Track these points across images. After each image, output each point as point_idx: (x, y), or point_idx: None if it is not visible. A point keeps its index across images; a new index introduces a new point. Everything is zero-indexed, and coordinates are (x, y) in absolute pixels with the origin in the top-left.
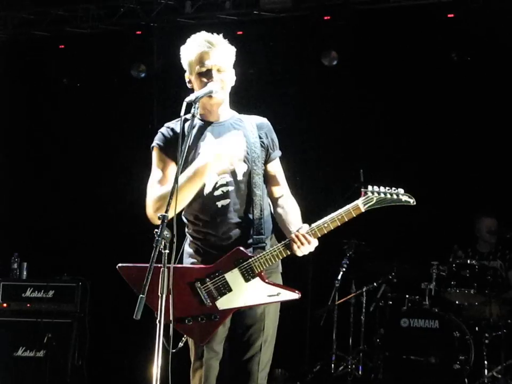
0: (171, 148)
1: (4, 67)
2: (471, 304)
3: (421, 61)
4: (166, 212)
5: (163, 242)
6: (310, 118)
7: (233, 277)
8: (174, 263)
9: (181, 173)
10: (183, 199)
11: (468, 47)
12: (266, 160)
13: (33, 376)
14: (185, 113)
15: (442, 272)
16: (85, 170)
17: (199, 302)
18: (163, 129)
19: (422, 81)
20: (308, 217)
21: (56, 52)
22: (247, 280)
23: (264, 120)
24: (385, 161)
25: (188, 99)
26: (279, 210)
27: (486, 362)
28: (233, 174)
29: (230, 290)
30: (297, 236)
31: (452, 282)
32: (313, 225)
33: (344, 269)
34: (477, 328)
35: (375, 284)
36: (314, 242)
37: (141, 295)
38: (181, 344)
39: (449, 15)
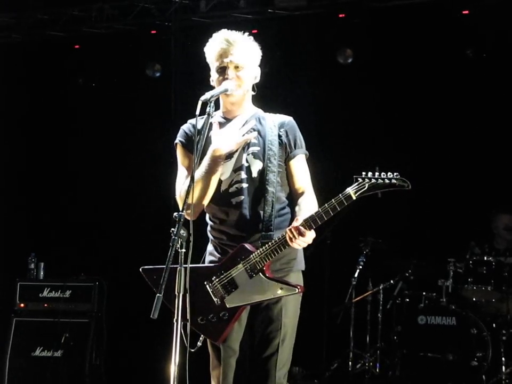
0: (192, 145)
1: (19, 68)
2: (488, 301)
3: (436, 58)
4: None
5: (179, 242)
6: (326, 116)
7: (239, 274)
8: (199, 263)
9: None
10: (204, 190)
11: (483, 43)
12: (286, 158)
13: (51, 376)
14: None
15: (459, 269)
16: (102, 170)
17: (209, 301)
18: (185, 126)
19: (438, 78)
20: None
21: (71, 52)
22: (251, 276)
23: (287, 119)
24: (401, 157)
25: (203, 98)
26: (296, 207)
27: (503, 359)
28: (248, 171)
29: (236, 287)
30: (290, 230)
31: (469, 279)
32: (307, 217)
33: (360, 267)
34: (494, 325)
35: (392, 281)
36: (310, 234)
37: (158, 294)
38: (199, 344)
39: (464, 12)
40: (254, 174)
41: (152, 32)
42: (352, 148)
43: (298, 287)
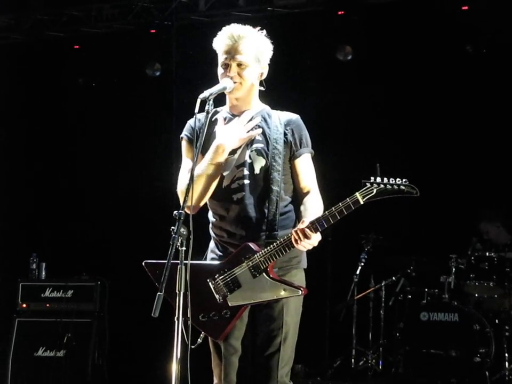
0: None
1: (19, 68)
2: (490, 296)
3: (435, 54)
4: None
5: (180, 240)
6: (324, 113)
7: (242, 273)
8: (200, 260)
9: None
10: (206, 185)
11: (483, 39)
12: (291, 157)
13: (54, 376)
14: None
15: (461, 265)
16: (103, 169)
17: (211, 299)
18: (191, 120)
19: (437, 74)
20: None
21: (71, 52)
22: (254, 276)
23: (293, 117)
24: (401, 155)
25: (201, 96)
26: (301, 207)
27: (506, 354)
28: (251, 167)
29: (239, 286)
30: (296, 231)
31: (471, 275)
32: (313, 219)
33: (362, 264)
34: (497, 321)
35: (394, 278)
36: (316, 237)
37: (159, 293)
38: (199, 341)
39: (463, 8)
40: (257, 171)
41: (152, 31)
42: (351, 145)
43: (302, 288)
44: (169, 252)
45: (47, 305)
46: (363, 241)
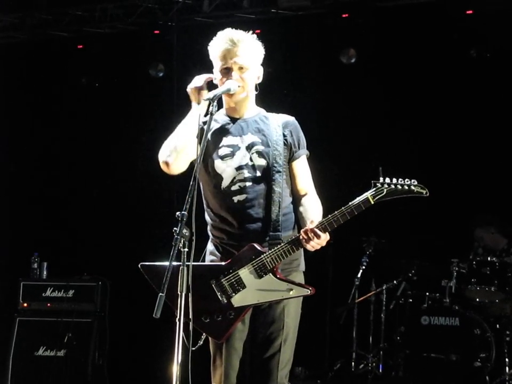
0: (201, 137)
1: (23, 68)
2: (491, 301)
3: (439, 57)
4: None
5: (182, 241)
6: (329, 115)
7: (247, 273)
8: (198, 262)
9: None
10: (184, 137)
11: (487, 43)
12: (290, 158)
13: (54, 375)
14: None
15: (462, 270)
16: (104, 170)
17: (215, 300)
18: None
19: (441, 78)
20: (327, 215)
21: (74, 52)
22: (260, 276)
23: (290, 119)
24: (404, 158)
25: (206, 97)
26: (300, 208)
27: (507, 359)
28: (253, 169)
29: (244, 287)
30: (305, 231)
31: (472, 280)
32: (323, 220)
33: (363, 267)
34: (497, 326)
35: (395, 282)
36: (325, 237)
37: (160, 294)
38: (200, 342)
39: (467, 12)
40: (258, 173)
41: (155, 32)
42: (355, 148)
43: (311, 288)
44: (171, 253)
45: (48, 304)
46: (364, 245)
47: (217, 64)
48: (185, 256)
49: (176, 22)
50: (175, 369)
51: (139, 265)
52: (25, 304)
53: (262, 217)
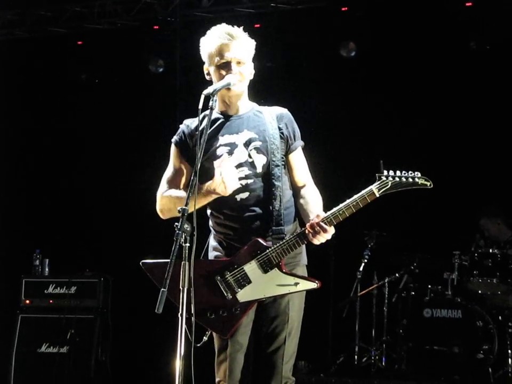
0: (184, 147)
1: (22, 64)
2: (494, 293)
3: (439, 50)
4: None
5: (183, 236)
6: (329, 109)
7: (252, 268)
8: (199, 257)
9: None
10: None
11: (486, 35)
12: (287, 151)
13: (57, 372)
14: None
15: (464, 262)
16: (105, 166)
17: (220, 295)
18: (181, 126)
19: (441, 70)
20: (329, 209)
21: (74, 48)
22: (265, 271)
23: (284, 111)
24: (405, 151)
25: (205, 92)
26: (301, 200)
27: (509, 351)
28: (252, 166)
29: (249, 282)
30: (311, 225)
31: (474, 272)
32: (328, 213)
33: (366, 260)
34: (500, 318)
35: (397, 275)
36: (330, 231)
37: (163, 289)
38: (205, 338)
39: (467, 4)
40: (259, 169)
41: (155, 27)
42: (355, 141)
43: (317, 281)
44: (173, 248)
45: (51, 301)
46: (366, 238)
47: (212, 60)
48: (186, 251)
49: (175, 17)
50: (178, 364)
51: (140, 263)
52: (27, 301)
53: (265, 213)
